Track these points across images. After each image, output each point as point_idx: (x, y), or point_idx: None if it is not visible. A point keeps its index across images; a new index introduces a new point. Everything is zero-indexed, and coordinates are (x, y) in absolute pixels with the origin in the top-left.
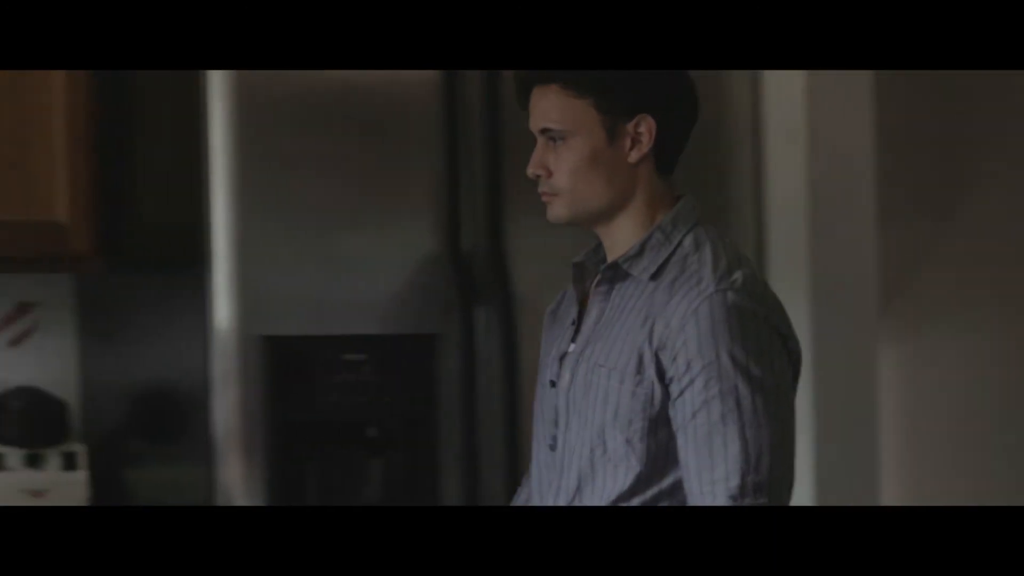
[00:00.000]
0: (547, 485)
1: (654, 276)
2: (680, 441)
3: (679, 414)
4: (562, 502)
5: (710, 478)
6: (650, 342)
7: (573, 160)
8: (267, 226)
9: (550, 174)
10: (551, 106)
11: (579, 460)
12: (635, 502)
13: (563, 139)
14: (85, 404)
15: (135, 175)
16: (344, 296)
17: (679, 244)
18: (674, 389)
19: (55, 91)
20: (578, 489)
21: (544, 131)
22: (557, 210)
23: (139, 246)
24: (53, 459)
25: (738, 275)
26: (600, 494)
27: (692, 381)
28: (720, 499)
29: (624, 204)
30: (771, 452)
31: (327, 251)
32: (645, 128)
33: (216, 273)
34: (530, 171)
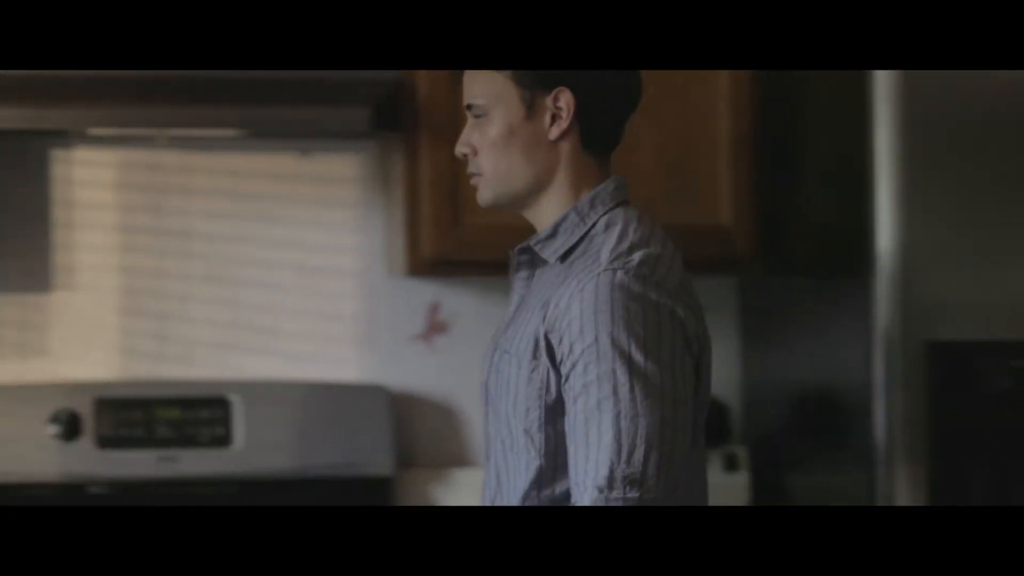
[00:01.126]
0: (484, 484)
1: (563, 258)
2: (566, 428)
3: (566, 400)
4: (487, 499)
5: (584, 467)
6: (543, 324)
7: (492, 135)
8: (933, 229)
9: (476, 153)
10: (474, 81)
11: (495, 454)
12: (541, 498)
13: (485, 115)
14: (747, 407)
15: (798, 176)
16: (1012, 300)
17: (593, 225)
18: (563, 373)
19: (720, 92)
20: (498, 485)
21: (469, 108)
22: (482, 192)
23: (801, 248)
24: (715, 460)
25: (637, 256)
26: (512, 491)
27: (575, 364)
28: (589, 491)
29: (547, 183)
30: (647, 445)
31: (994, 254)
32: (564, 102)
33: (879, 277)
34: (457, 150)
